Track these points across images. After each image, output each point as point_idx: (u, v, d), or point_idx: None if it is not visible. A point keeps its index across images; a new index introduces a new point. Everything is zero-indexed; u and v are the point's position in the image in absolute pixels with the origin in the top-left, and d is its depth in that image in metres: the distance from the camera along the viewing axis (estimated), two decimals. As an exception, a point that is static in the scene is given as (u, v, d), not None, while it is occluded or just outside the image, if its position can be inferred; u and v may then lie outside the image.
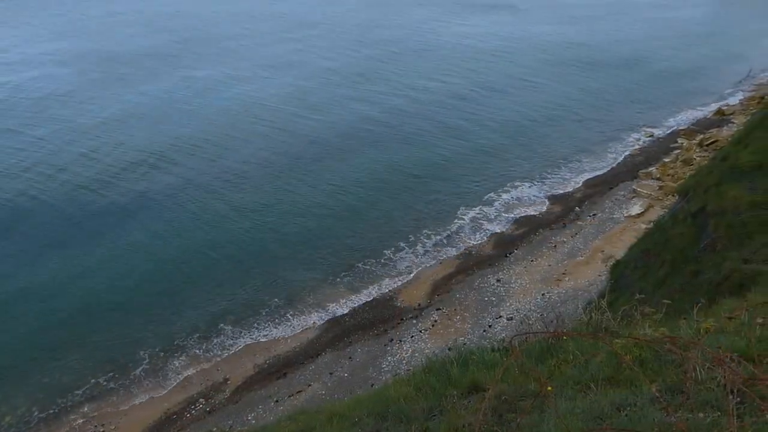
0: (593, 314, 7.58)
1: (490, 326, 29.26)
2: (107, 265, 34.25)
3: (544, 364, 6.38)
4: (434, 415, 5.94)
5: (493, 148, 49.48)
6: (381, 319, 30.65)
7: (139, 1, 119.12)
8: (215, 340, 29.09)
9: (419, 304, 31.54)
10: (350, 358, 28.04)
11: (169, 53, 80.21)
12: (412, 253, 35.84)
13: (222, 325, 29.92)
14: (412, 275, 34.05)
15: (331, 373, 27.11)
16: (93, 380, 26.62)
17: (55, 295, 31.70)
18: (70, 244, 36.07)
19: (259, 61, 76.32)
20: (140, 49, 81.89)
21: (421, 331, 29.38)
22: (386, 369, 27.00)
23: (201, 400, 26.04)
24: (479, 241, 37.05)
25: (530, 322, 24.44)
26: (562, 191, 43.22)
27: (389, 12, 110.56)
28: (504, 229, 38.37)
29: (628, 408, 4.79)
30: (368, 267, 34.43)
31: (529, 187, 43.59)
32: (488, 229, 38.33)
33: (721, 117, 54.84)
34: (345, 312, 31.23)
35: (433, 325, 29.79)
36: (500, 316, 29.99)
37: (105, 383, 26.56)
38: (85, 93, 63.40)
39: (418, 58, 77.57)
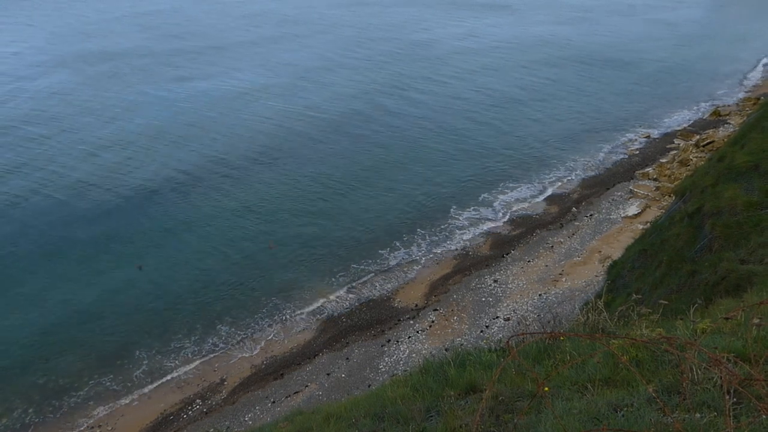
0: (590, 315, 7.58)
1: (487, 327, 29.28)
2: (102, 267, 34.18)
3: (541, 364, 6.38)
4: (431, 416, 5.93)
5: (490, 148, 49.51)
6: (378, 319, 30.65)
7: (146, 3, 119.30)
8: (212, 341, 29.04)
9: (416, 305, 31.53)
10: (347, 358, 28.02)
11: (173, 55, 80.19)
12: (409, 253, 35.84)
13: (219, 326, 29.88)
14: (409, 276, 34.04)
15: (328, 374, 27.09)
16: (90, 381, 26.55)
17: (51, 297, 31.63)
18: (65, 246, 35.99)
19: (258, 62, 76.37)
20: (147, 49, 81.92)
21: (418, 332, 29.38)
22: (383, 370, 27.00)
23: (198, 401, 25.99)
24: (476, 242, 37.05)
25: (527, 322, 24.46)
26: (559, 192, 43.28)
27: (383, 13, 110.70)
28: (501, 230, 38.38)
29: (625, 408, 4.79)
30: (365, 267, 34.42)
31: (526, 187, 43.64)
32: (485, 230, 38.35)
33: (718, 118, 55.00)
34: (342, 313, 31.22)
35: (430, 326, 29.78)
36: (497, 317, 30.00)
37: (102, 384, 26.49)
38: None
39: (414, 59, 77.60)
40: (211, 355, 28.36)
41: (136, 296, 31.77)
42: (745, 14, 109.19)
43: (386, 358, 27.82)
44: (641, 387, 5.03)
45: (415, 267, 34.73)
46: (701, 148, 45.67)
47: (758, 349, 5.13)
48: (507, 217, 39.90)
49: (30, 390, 26.07)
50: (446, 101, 60.70)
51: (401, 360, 27.48)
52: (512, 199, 42.07)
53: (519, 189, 43.36)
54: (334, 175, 44.64)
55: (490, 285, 32.72)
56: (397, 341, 28.83)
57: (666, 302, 7.98)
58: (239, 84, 66.38)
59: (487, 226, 38.84)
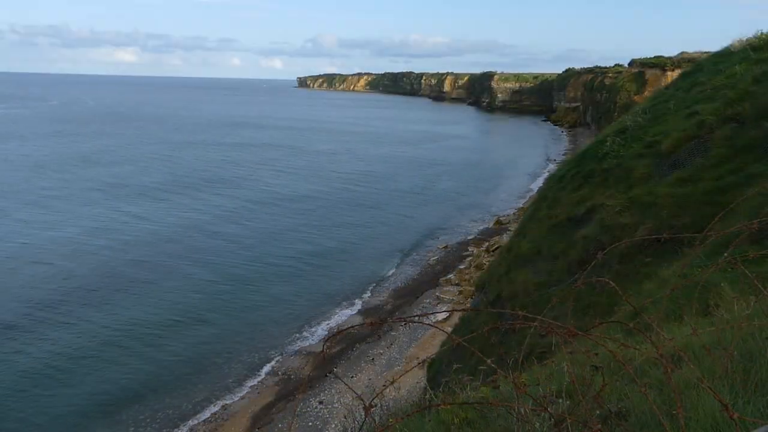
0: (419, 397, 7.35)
1: (317, 453, 27.53)
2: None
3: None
4: None
5: (303, 266, 49.67)
6: (195, 467, 27.20)
7: None
8: None
9: (238, 442, 28.75)
10: None
11: None
12: (227, 386, 33.18)
13: None
14: (229, 412, 31.21)
15: None
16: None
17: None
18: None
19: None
20: None
21: (242, 473, 26.54)
22: None
23: None
24: (298, 364, 35.71)
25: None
26: (374, 304, 44.27)
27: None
28: (321, 348, 37.58)
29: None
30: (174, 413, 30.89)
31: (342, 303, 44.04)
32: (306, 350, 37.31)
33: (500, 226, 62.12)
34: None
35: (255, 464, 27.16)
36: (327, 441, 28.48)
37: None
38: None
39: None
40: None
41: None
42: (507, 140, 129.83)
43: None
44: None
45: (234, 401, 32.07)
46: (491, 252, 50.62)
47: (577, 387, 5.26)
48: (327, 334, 39.39)
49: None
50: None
51: None
52: (330, 317, 41.98)
53: (336, 305, 43.54)
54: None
55: (316, 408, 31.25)
56: (219, 488, 25.65)
57: (484, 367, 8.05)
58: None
59: (307, 345, 37.88)
